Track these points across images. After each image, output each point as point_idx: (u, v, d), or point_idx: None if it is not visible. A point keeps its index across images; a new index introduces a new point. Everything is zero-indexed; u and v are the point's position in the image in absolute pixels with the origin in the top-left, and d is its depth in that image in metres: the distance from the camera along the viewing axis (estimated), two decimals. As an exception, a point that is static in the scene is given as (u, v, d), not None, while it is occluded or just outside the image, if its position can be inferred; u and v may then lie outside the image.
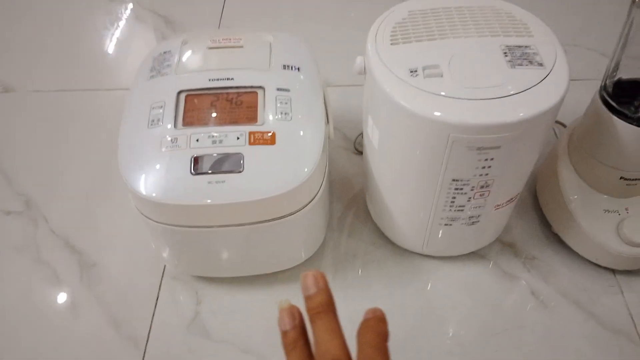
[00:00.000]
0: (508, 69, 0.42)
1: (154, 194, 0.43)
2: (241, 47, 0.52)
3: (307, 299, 0.30)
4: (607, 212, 0.53)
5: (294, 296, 0.49)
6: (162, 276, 0.56)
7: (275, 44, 0.53)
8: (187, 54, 0.51)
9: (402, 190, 0.50)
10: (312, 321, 0.30)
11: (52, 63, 0.82)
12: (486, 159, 0.42)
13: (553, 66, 0.42)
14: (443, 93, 0.40)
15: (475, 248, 0.56)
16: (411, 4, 0.49)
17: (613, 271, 0.55)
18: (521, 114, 0.39)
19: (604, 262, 0.54)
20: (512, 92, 0.40)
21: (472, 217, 0.49)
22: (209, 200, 0.43)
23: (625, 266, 0.54)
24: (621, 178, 0.51)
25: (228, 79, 0.48)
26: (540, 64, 0.42)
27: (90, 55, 0.84)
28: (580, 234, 0.53)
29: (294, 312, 0.30)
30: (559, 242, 0.56)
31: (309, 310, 0.30)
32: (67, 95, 0.76)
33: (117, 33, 0.87)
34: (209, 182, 0.43)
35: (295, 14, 0.89)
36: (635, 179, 0.51)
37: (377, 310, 0.30)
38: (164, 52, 0.52)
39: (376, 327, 0.29)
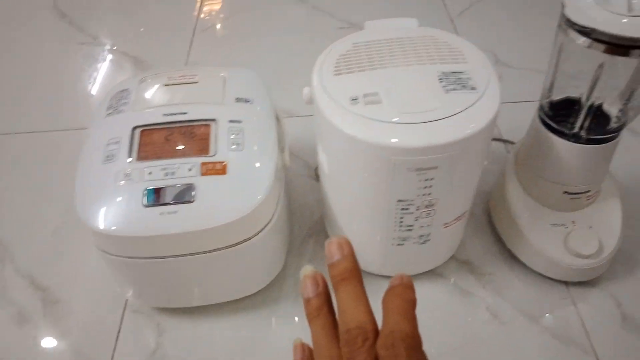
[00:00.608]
0: (443, 94, 0.44)
1: (107, 228, 0.44)
2: (196, 82, 0.54)
3: (331, 266, 0.29)
4: (554, 226, 0.55)
5: (257, 324, 0.50)
6: (124, 309, 0.56)
7: (230, 78, 0.55)
8: (144, 92, 0.53)
9: (353, 213, 0.52)
10: (336, 288, 0.29)
11: (22, 105, 0.84)
12: (426, 179, 0.44)
13: (485, 90, 0.45)
14: (381, 118, 0.43)
15: (432, 266, 0.57)
16: (356, 37, 0.51)
17: (566, 283, 0.57)
18: (453, 136, 0.42)
19: (555, 275, 0.56)
20: (445, 116, 0.42)
21: (422, 235, 0.51)
22: (160, 231, 0.44)
23: (576, 278, 0.55)
24: (565, 192, 0.54)
25: (182, 113, 0.50)
26: (473, 88, 0.45)
27: (61, 97, 0.85)
28: (530, 249, 0.55)
29: (318, 279, 0.29)
30: (512, 257, 0.58)
31: (332, 277, 0.29)
32: (34, 136, 0.78)
33: (92, 75, 0.90)
34: (161, 214, 0.44)
35: (260, 49, 0.92)
36: (579, 193, 0.54)
37: (404, 276, 0.29)
38: (122, 91, 0.54)
39: (403, 293, 0.28)
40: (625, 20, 0.42)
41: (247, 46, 0.94)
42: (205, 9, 1.04)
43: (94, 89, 0.86)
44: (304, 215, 0.65)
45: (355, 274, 0.29)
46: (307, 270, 0.30)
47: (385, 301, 0.28)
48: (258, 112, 0.52)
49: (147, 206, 0.44)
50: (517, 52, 0.86)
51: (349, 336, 0.26)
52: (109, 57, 0.93)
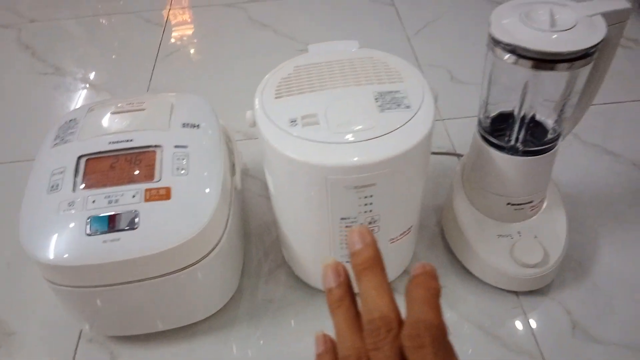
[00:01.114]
0: (378, 113, 0.45)
1: (50, 258, 0.44)
2: (143, 109, 0.55)
3: (353, 254, 0.28)
4: (500, 237, 0.56)
5: (212, 349, 0.50)
6: (79, 339, 0.56)
7: (177, 104, 0.56)
8: (91, 120, 0.54)
9: (301, 232, 0.52)
10: (358, 278, 0.28)
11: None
12: (366, 197, 0.45)
13: (419, 108, 0.46)
14: (318, 139, 0.44)
15: (385, 282, 0.58)
16: (298, 60, 0.53)
17: (516, 293, 0.58)
18: (387, 153, 0.43)
19: (505, 286, 0.57)
20: (379, 134, 0.44)
21: (370, 252, 0.51)
22: (103, 259, 0.44)
23: (525, 287, 0.57)
24: (508, 204, 0.55)
25: (127, 140, 0.51)
26: (408, 107, 0.46)
27: (17, 128, 0.85)
28: (478, 260, 0.56)
29: (339, 269, 0.29)
30: (464, 270, 0.59)
31: (355, 266, 0.28)
32: (-8, 167, 0.78)
33: (50, 105, 0.90)
34: (104, 242, 0.44)
35: (222, 73, 0.94)
36: (522, 204, 0.55)
37: (426, 265, 0.28)
38: (70, 120, 0.55)
39: (426, 282, 0.27)
40: (548, 36, 0.43)
41: (209, 71, 0.95)
42: (168, 35, 1.05)
43: (51, 120, 0.86)
44: (261, 235, 0.66)
45: (377, 262, 0.28)
46: (328, 260, 0.29)
47: (408, 291, 0.27)
48: (205, 137, 0.53)
49: (89, 235, 0.45)
50: (470, 69, 0.88)
51: (373, 326, 0.26)
52: (70, 86, 0.93)
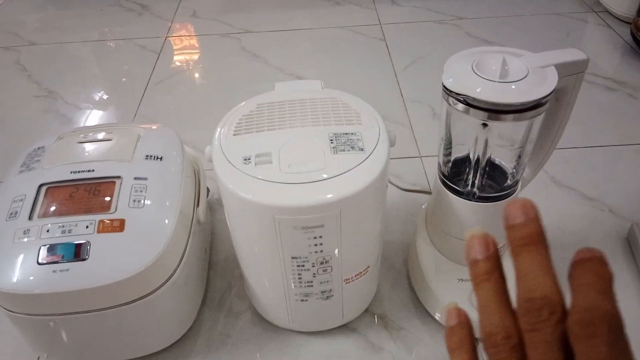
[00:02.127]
0: (330, 155, 0.46)
1: (3, 285, 0.45)
2: (110, 140, 0.56)
3: (511, 228, 0.25)
4: (461, 281, 0.56)
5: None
6: (36, 365, 0.56)
7: (144, 136, 0.57)
8: (57, 149, 0.55)
9: (255, 268, 0.53)
10: (516, 253, 0.24)
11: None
12: (315, 237, 0.45)
13: (373, 151, 0.46)
14: (269, 178, 0.44)
15: (344, 321, 0.58)
16: (262, 98, 0.54)
17: (477, 339, 0.57)
18: (335, 195, 0.43)
19: (463, 330, 0.56)
20: (329, 176, 0.44)
21: (324, 292, 0.51)
22: (52, 289, 0.45)
23: (483, 333, 0.56)
24: (468, 248, 0.55)
25: (89, 170, 0.52)
26: (361, 149, 0.46)
27: (5, 148, 0.87)
28: (437, 303, 0.56)
29: (489, 241, 0.26)
30: (426, 312, 0.59)
31: (513, 240, 0.24)
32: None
33: (37, 128, 0.92)
34: (54, 271, 0.45)
35: (207, 101, 0.96)
36: (482, 248, 0.55)
37: (594, 250, 0.24)
38: (38, 148, 0.56)
39: (597, 269, 0.23)
40: (497, 86, 0.44)
41: (199, 99, 0.98)
42: (162, 63, 1.07)
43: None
44: (226, 268, 0.66)
45: (542, 239, 0.24)
46: (475, 230, 0.26)
47: (574, 277, 0.23)
48: (167, 169, 0.54)
49: (40, 264, 0.45)
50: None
51: (532, 305, 0.23)
52: (59, 110, 0.95)
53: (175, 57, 1.10)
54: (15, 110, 0.96)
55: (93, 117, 0.94)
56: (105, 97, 1.00)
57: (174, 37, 1.17)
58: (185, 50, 1.14)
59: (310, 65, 1.05)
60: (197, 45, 1.15)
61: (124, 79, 1.04)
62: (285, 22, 1.20)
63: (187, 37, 1.18)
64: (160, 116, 0.93)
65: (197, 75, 1.06)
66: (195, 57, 1.12)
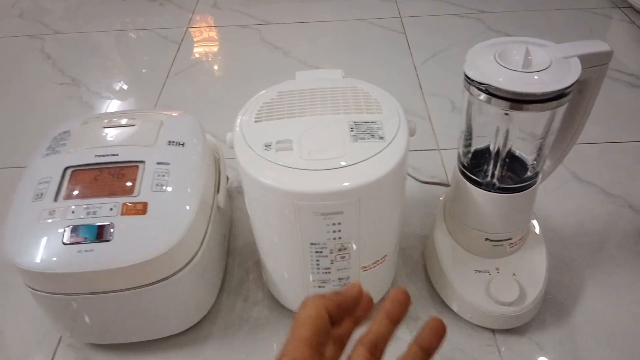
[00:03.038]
0: (351, 143, 0.46)
1: (28, 264, 0.46)
2: (133, 125, 0.57)
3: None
4: (478, 272, 0.56)
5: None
6: (58, 345, 0.58)
7: (167, 122, 0.58)
8: (82, 133, 0.56)
9: (274, 255, 0.53)
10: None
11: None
12: (334, 224, 0.46)
13: (393, 139, 0.47)
14: (288, 165, 0.45)
15: (360, 310, 0.58)
16: (283, 86, 0.54)
17: (493, 331, 0.57)
18: (354, 183, 0.43)
19: (478, 321, 0.56)
20: (348, 163, 0.44)
21: (341, 279, 0.52)
22: (76, 269, 0.46)
23: (499, 325, 0.56)
24: (486, 239, 0.55)
25: (113, 154, 0.53)
26: (381, 138, 0.47)
27: (29, 134, 0.89)
28: (454, 294, 0.56)
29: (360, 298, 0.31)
30: (442, 302, 0.59)
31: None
32: None
33: (61, 114, 0.94)
34: (79, 251, 0.46)
35: (225, 90, 0.96)
36: (500, 240, 0.55)
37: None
38: (63, 132, 0.57)
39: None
40: (520, 76, 0.44)
41: (218, 88, 0.99)
42: (183, 53, 1.09)
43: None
44: (245, 255, 0.66)
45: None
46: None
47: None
48: (189, 155, 0.55)
49: (65, 244, 0.46)
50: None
51: None
52: (82, 97, 0.97)
53: (196, 48, 1.11)
54: (40, 97, 0.98)
55: (115, 105, 0.96)
56: (126, 85, 1.01)
57: (194, 28, 1.18)
58: (205, 41, 1.14)
59: (330, 57, 1.06)
60: (217, 36, 1.16)
61: (145, 69, 1.06)
62: (305, 14, 1.20)
63: (207, 28, 1.18)
64: (181, 105, 0.94)
65: (217, 65, 1.07)
66: (215, 48, 1.13)
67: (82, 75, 1.03)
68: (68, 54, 1.10)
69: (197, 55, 1.09)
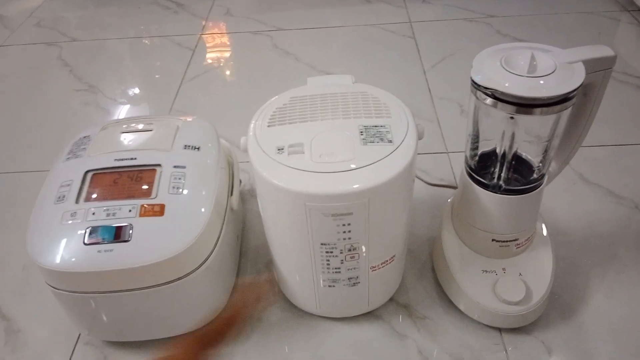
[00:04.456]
0: (360, 146, 0.48)
1: (50, 263, 0.48)
2: (151, 130, 0.59)
3: None
4: (485, 273, 0.57)
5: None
6: (77, 342, 0.60)
7: (182, 127, 0.60)
8: (102, 138, 0.58)
9: (286, 255, 0.55)
10: None
11: (18, 144, 0.90)
12: (344, 224, 0.47)
13: (401, 143, 0.48)
14: (301, 167, 0.46)
15: (369, 309, 0.59)
16: (295, 92, 0.56)
17: (499, 330, 0.58)
18: (363, 184, 0.45)
19: (486, 321, 0.57)
20: (358, 166, 0.46)
21: (351, 278, 0.53)
22: (97, 268, 0.48)
23: (506, 324, 0.57)
24: (493, 240, 0.56)
25: (131, 158, 0.55)
26: (390, 141, 0.48)
27: (48, 139, 0.92)
28: (461, 294, 0.57)
29: None
30: (450, 302, 0.60)
31: None
32: (16, 175, 0.84)
33: (79, 120, 0.96)
34: (99, 251, 0.48)
35: (240, 96, 0.99)
36: (507, 241, 0.56)
37: None
38: (84, 137, 0.59)
39: None
40: (525, 81, 0.45)
41: (231, 94, 1.01)
42: (197, 59, 1.11)
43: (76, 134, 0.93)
44: (257, 255, 0.68)
45: None
46: None
47: None
48: (204, 159, 0.57)
49: (86, 244, 0.48)
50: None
51: None
52: (99, 104, 1.00)
53: (209, 54, 1.14)
54: (58, 103, 1.01)
55: (131, 111, 0.98)
56: (142, 92, 1.04)
57: (208, 35, 1.20)
58: (218, 48, 1.17)
59: (341, 62, 1.07)
60: (230, 43, 1.19)
61: (159, 75, 1.08)
62: (316, 20, 1.22)
63: (220, 35, 1.21)
64: (195, 111, 0.96)
65: (229, 71, 1.09)
66: (228, 54, 1.15)
67: (98, 82, 1.06)
68: (85, 61, 1.13)
69: (210, 62, 1.11)
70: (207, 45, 1.17)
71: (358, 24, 1.20)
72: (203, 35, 1.20)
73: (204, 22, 1.25)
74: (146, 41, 1.21)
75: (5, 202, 0.80)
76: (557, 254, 0.60)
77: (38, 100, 1.02)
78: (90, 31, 1.25)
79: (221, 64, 1.11)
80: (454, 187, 0.75)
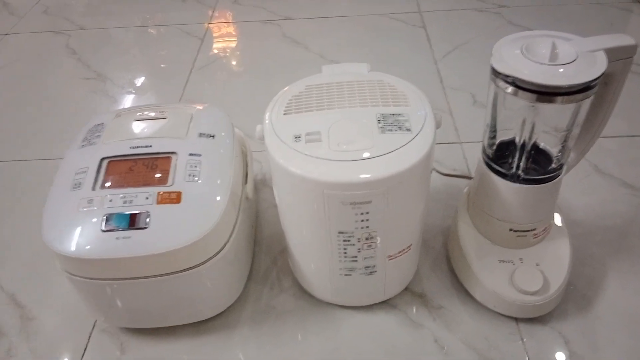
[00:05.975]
0: (378, 134, 0.47)
1: (67, 250, 0.48)
2: (164, 118, 0.58)
3: None
4: (502, 262, 0.57)
5: (213, 349, 0.52)
6: (93, 329, 0.60)
7: (196, 115, 0.59)
8: (116, 125, 0.58)
9: (303, 243, 0.55)
10: None
11: (27, 133, 0.90)
12: (362, 213, 0.47)
13: (420, 131, 0.48)
14: (318, 155, 0.46)
15: (385, 298, 0.59)
16: (311, 80, 0.56)
17: (516, 320, 0.58)
18: (382, 173, 0.45)
19: (502, 310, 0.57)
20: (377, 154, 0.45)
21: (367, 267, 0.53)
22: (114, 254, 0.48)
23: (523, 314, 0.57)
24: (510, 230, 0.56)
25: (147, 146, 0.54)
26: (408, 129, 0.48)
27: (58, 127, 0.92)
28: (478, 283, 0.57)
29: None
30: (465, 292, 0.60)
31: None
32: (31, 163, 0.84)
33: (88, 107, 0.96)
34: (117, 238, 0.48)
35: (250, 86, 0.98)
36: (524, 231, 0.56)
37: None
38: (98, 124, 0.59)
39: None
40: (546, 69, 0.44)
41: (241, 83, 1.00)
42: (205, 48, 1.10)
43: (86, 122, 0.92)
44: (271, 244, 0.68)
45: None
46: None
47: None
48: (219, 147, 0.57)
49: (104, 231, 0.48)
50: (494, 94, 0.89)
51: None
52: (108, 91, 0.99)
53: (217, 43, 1.13)
54: (67, 91, 1.01)
55: (140, 100, 0.98)
56: (151, 80, 1.03)
57: (216, 24, 1.19)
58: (226, 37, 1.16)
59: (350, 51, 1.07)
60: (238, 32, 1.18)
61: (168, 64, 1.08)
62: (325, 9, 1.21)
63: (228, 24, 1.20)
64: (205, 100, 0.95)
65: (238, 61, 1.09)
66: (236, 43, 1.14)
67: (107, 70, 1.05)
68: (93, 50, 1.13)
69: (218, 50, 1.11)
70: (215, 34, 1.16)
71: (367, 13, 1.19)
72: (211, 24, 1.19)
73: (211, 12, 1.24)
74: (153, 30, 1.20)
75: (15, 190, 0.80)
76: (572, 244, 0.59)
77: (46, 89, 1.02)
78: (97, 19, 1.24)
79: (230, 53, 1.10)
80: (467, 177, 0.75)
